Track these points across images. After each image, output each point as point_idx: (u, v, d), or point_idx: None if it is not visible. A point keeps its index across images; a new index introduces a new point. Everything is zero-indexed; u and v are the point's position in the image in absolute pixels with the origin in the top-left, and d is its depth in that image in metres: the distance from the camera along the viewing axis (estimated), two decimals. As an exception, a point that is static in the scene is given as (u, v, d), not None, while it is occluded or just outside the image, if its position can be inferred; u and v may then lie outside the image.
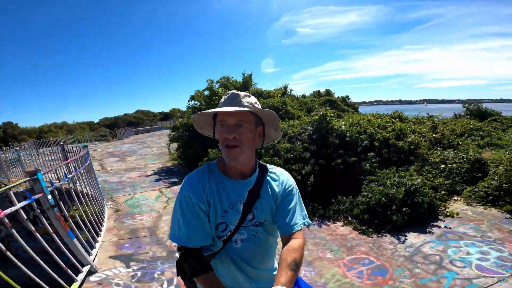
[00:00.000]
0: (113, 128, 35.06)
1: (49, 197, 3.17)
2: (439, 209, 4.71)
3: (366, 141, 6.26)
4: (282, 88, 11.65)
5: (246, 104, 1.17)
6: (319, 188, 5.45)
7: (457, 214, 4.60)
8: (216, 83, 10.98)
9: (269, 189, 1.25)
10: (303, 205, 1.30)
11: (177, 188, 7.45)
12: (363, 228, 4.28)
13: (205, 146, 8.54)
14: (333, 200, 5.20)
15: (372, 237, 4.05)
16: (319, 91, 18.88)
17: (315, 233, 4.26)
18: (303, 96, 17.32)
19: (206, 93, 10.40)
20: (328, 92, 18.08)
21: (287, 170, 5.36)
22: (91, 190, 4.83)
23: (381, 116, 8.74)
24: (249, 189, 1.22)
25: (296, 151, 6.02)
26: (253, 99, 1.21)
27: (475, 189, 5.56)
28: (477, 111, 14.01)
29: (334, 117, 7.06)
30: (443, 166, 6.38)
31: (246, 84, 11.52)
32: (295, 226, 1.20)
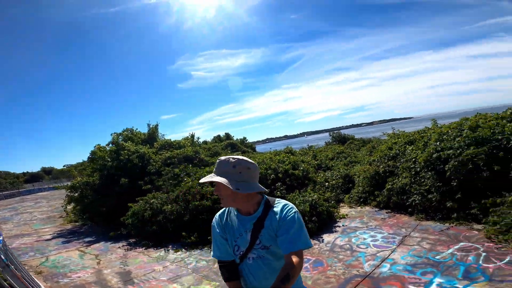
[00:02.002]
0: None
1: (2, 256, 2.99)
2: (334, 214, 6.44)
3: (272, 175, 7.83)
4: (190, 137, 12.37)
5: (221, 171, 1.53)
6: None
7: (346, 215, 6.46)
8: (119, 136, 10.72)
9: (271, 222, 1.55)
10: (303, 231, 1.50)
11: (99, 245, 7.13)
12: (290, 239, 5.42)
13: (122, 201, 8.23)
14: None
15: (299, 244, 5.23)
16: (219, 135, 20.60)
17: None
18: (205, 142, 18.44)
19: (108, 148, 10.00)
20: (228, 136, 19.95)
21: (217, 209, 6.12)
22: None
23: (278, 152, 10.83)
24: (253, 222, 1.58)
25: (221, 192, 6.88)
26: (229, 167, 1.52)
27: (350, 196, 7.78)
28: (339, 137, 18.69)
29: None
30: (327, 183, 8.56)
31: (152, 135, 11.65)
32: (291, 247, 1.44)
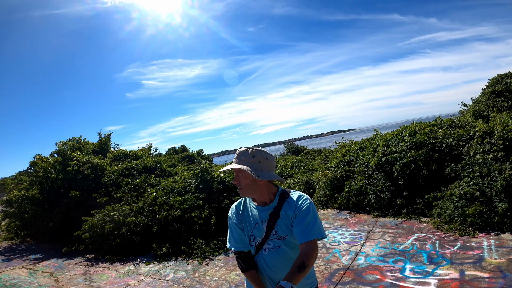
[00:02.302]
0: None
1: None
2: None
3: (240, 182, 7.90)
4: (147, 148, 11.74)
5: (241, 160, 1.61)
6: (222, 225, 6.34)
7: (311, 217, 6.84)
8: (65, 145, 9.69)
9: (286, 212, 1.60)
10: (317, 222, 1.54)
11: (50, 262, 6.35)
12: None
13: (72, 215, 7.50)
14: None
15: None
16: (174, 148, 19.80)
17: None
18: (159, 154, 17.55)
19: (51, 158, 8.97)
20: (183, 148, 19.32)
21: (187, 218, 5.94)
22: None
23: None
24: (269, 213, 1.62)
25: (190, 201, 6.69)
26: (249, 156, 1.61)
27: (313, 200, 8.25)
28: (293, 149, 19.67)
29: (213, 168, 8.30)
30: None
31: (104, 146, 10.74)
32: (306, 237, 1.48)
